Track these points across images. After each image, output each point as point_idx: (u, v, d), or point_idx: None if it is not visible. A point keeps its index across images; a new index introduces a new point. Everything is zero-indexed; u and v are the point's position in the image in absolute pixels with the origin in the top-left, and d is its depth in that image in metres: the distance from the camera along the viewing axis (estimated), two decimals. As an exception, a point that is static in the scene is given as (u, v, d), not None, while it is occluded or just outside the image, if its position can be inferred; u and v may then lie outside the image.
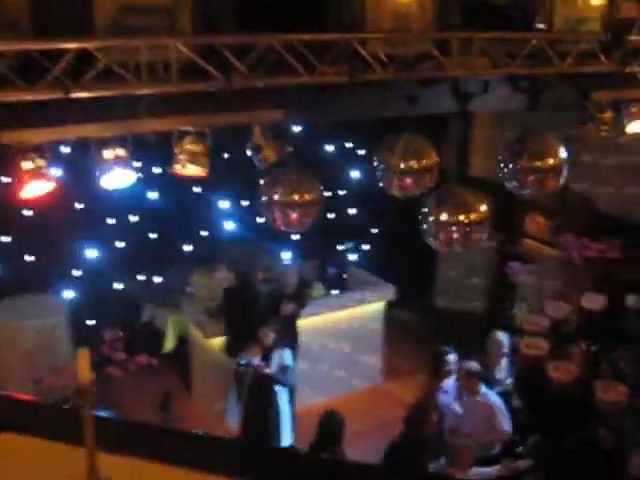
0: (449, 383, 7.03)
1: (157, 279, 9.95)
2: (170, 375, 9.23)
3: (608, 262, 8.71)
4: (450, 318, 10.81)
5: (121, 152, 4.39)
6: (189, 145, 4.75)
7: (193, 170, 4.84)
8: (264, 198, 5.38)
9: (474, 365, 6.79)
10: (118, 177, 4.54)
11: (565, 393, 6.52)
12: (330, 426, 6.46)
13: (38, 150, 4.40)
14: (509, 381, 7.31)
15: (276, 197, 5.36)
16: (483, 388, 6.73)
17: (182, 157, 4.77)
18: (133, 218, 9.64)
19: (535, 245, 10.98)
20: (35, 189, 4.47)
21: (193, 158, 4.76)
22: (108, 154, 4.37)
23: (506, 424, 6.66)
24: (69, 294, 9.31)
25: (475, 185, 6.21)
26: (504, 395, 6.97)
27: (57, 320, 8.72)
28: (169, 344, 9.21)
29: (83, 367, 2.87)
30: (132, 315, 9.67)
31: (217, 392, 8.05)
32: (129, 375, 6.43)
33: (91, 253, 9.44)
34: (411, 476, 4.51)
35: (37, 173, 4.37)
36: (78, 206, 9.06)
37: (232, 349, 7.60)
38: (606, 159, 9.61)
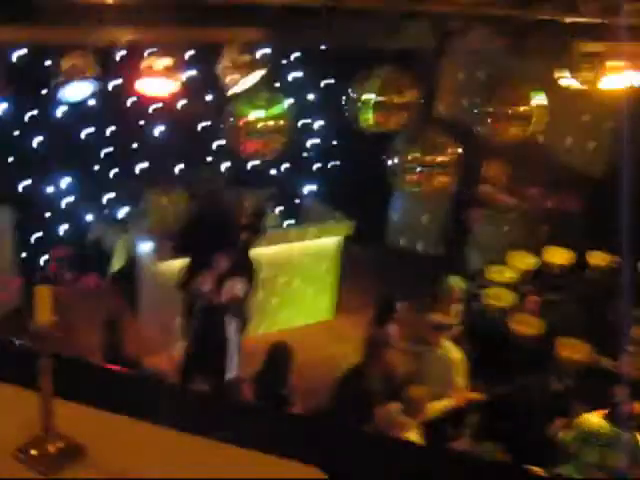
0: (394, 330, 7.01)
1: (108, 195, 9.60)
2: (117, 297, 9.07)
3: (567, 214, 8.72)
4: (404, 259, 10.81)
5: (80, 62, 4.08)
6: (156, 60, 4.46)
7: (157, 88, 4.56)
8: (229, 121, 5.13)
9: (440, 318, 6.75)
10: (77, 89, 4.23)
11: (524, 346, 6.54)
12: (277, 358, 6.41)
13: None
14: (458, 328, 7.31)
15: (241, 123, 5.13)
16: (446, 342, 6.70)
17: (149, 72, 4.48)
18: (89, 130, 9.18)
19: (492, 191, 10.97)
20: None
21: (159, 75, 4.48)
22: (66, 64, 4.06)
23: (464, 380, 6.64)
24: (14, 204, 8.94)
25: (439, 124, 6.07)
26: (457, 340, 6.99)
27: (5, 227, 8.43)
28: (117, 265, 8.96)
29: (43, 307, 2.31)
30: (79, 232, 9.37)
31: (165, 318, 7.89)
32: (75, 296, 6.17)
33: (40, 162, 9.02)
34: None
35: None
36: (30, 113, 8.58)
37: (183, 275, 7.38)
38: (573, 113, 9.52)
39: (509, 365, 6.32)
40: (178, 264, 7.65)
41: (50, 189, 9.05)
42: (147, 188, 8.84)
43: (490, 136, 6.49)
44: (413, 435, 5.65)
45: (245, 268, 7.56)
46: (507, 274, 7.54)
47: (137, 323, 8.70)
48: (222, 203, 7.88)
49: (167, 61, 4.40)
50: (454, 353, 6.65)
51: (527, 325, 6.72)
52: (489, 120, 6.24)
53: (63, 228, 9.10)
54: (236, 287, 7.01)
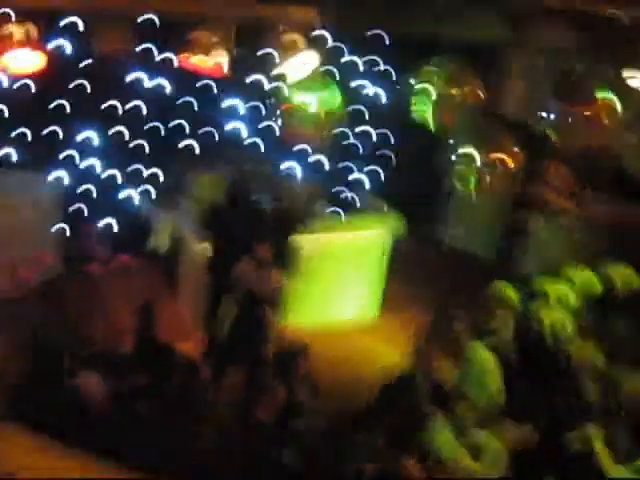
0: None
1: (156, 174, 9.40)
2: (156, 277, 8.88)
3: (632, 229, 8.20)
4: (457, 259, 10.42)
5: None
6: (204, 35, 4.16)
7: (204, 62, 4.26)
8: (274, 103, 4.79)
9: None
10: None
11: (573, 371, 6.07)
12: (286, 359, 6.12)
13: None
14: (506, 336, 6.92)
15: (286, 107, 4.80)
16: (480, 349, 6.33)
17: (195, 47, 4.18)
18: (136, 103, 8.97)
19: (554, 195, 10.48)
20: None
21: (207, 49, 4.18)
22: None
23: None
24: (60, 176, 8.83)
25: (502, 122, 5.66)
26: (497, 349, 6.62)
27: (44, 199, 8.34)
28: (161, 244, 8.76)
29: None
30: (120, 209, 9.21)
31: (201, 302, 7.69)
32: (111, 274, 5.97)
33: (88, 136, 8.88)
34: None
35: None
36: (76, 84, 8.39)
37: (224, 261, 7.12)
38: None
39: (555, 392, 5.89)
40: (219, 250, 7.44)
41: (93, 162, 8.91)
42: (193, 167, 8.60)
43: (556, 137, 6.05)
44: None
45: (286, 258, 7.30)
46: (562, 289, 6.91)
47: (173, 306, 8.54)
48: (266, 188, 7.60)
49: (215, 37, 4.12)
50: (488, 362, 6.31)
51: (580, 348, 6.27)
52: (556, 120, 5.82)
53: (103, 204, 8.97)
54: (276, 277, 6.74)
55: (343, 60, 9.35)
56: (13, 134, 8.57)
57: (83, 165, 8.83)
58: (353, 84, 9.85)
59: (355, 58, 9.78)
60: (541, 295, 6.92)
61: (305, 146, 4.85)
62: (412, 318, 8.83)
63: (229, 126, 9.40)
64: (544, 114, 5.88)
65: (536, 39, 6.12)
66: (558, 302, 6.77)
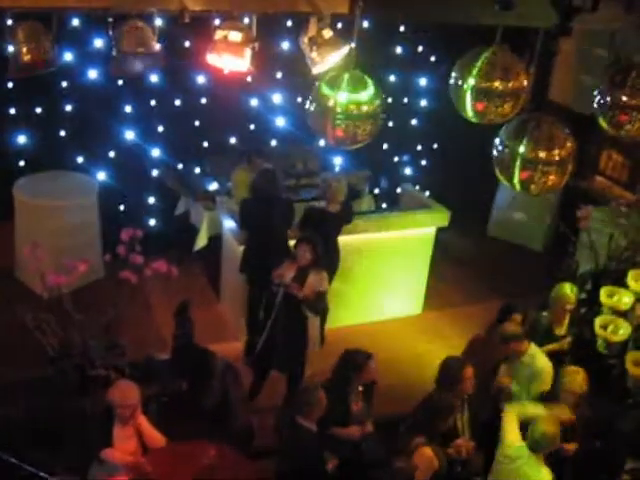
0: None
1: (196, 170, 9.29)
2: (198, 276, 8.82)
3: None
4: (504, 252, 10.11)
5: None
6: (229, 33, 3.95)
7: (231, 62, 4.06)
8: (312, 105, 4.57)
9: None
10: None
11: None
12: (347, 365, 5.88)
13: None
14: (568, 339, 6.59)
15: (330, 104, 4.56)
16: (532, 348, 6.06)
17: (220, 45, 3.98)
18: (176, 101, 8.87)
19: (608, 185, 10.06)
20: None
21: (232, 48, 3.97)
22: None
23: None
24: (101, 175, 8.77)
25: (552, 112, 5.30)
26: (558, 354, 6.33)
27: (88, 202, 8.27)
28: (201, 242, 8.63)
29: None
30: (166, 207, 9.12)
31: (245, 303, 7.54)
32: (148, 279, 5.84)
33: (128, 134, 8.79)
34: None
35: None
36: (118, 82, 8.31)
37: (261, 260, 6.92)
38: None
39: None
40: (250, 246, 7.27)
41: (135, 163, 8.82)
42: (235, 163, 8.43)
43: (611, 127, 5.67)
44: None
45: (329, 259, 7.06)
46: (624, 299, 6.36)
47: (214, 308, 8.42)
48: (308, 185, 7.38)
49: (241, 35, 3.89)
50: (541, 362, 6.02)
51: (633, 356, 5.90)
52: (611, 109, 5.44)
53: (144, 206, 8.91)
54: (318, 281, 6.50)
55: (383, 52, 9.14)
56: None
57: (123, 166, 8.79)
58: (396, 76, 9.62)
59: (396, 48, 9.56)
60: (595, 297, 6.56)
61: (348, 142, 4.59)
62: (459, 314, 8.65)
63: (267, 122, 9.30)
64: (596, 101, 5.47)
65: (585, 21, 5.74)
66: (613, 306, 6.39)
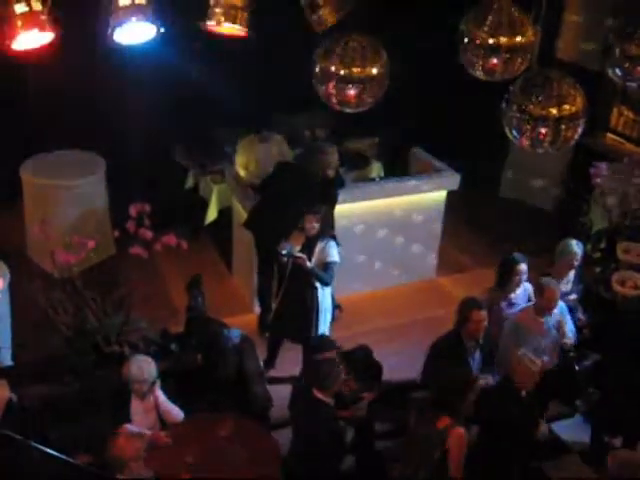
0: (517, 294, 6.36)
1: (203, 143, 9.20)
2: (210, 250, 8.80)
3: None
4: (516, 213, 10.01)
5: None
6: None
7: (230, 28, 3.98)
8: (317, 68, 4.51)
9: (554, 284, 6.00)
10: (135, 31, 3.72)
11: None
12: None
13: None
14: (573, 296, 6.55)
15: (332, 68, 4.50)
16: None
17: (218, 11, 3.90)
18: (184, 70, 8.70)
19: (619, 141, 9.92)
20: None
21: (231, 13, 3.88)
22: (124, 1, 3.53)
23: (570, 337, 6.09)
24: (108, 152, 8.70)
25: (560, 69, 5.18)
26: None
27: (95, 179, 8.24)
28: (212, 215, 8.59)
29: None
30: (176, 179, 9.06)
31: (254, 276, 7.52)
32: (159, 254, 5.82)
33: (132, 108, 8.70)
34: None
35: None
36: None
37: (272, 232, 6.85)
38: None
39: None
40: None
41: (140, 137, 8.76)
42: (242, 134, 8.33)
43: (622, 81, 5.55)
44: None
45: (333, 226, 7.01)
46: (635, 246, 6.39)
47: (230, 276, 8.41)
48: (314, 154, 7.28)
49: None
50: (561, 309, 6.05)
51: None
52: (621, 63, 5.32)
53: (152, 180, 8.84)
54: (326, 252, 6.46)
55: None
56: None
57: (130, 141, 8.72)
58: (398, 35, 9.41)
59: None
60: (610, 255, 6.49)
61: (352, 105, 4.52)
62: (472, 277, 8.58)
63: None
64: (607, 56, 5.34)
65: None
66: (630, 261, 6.31)
